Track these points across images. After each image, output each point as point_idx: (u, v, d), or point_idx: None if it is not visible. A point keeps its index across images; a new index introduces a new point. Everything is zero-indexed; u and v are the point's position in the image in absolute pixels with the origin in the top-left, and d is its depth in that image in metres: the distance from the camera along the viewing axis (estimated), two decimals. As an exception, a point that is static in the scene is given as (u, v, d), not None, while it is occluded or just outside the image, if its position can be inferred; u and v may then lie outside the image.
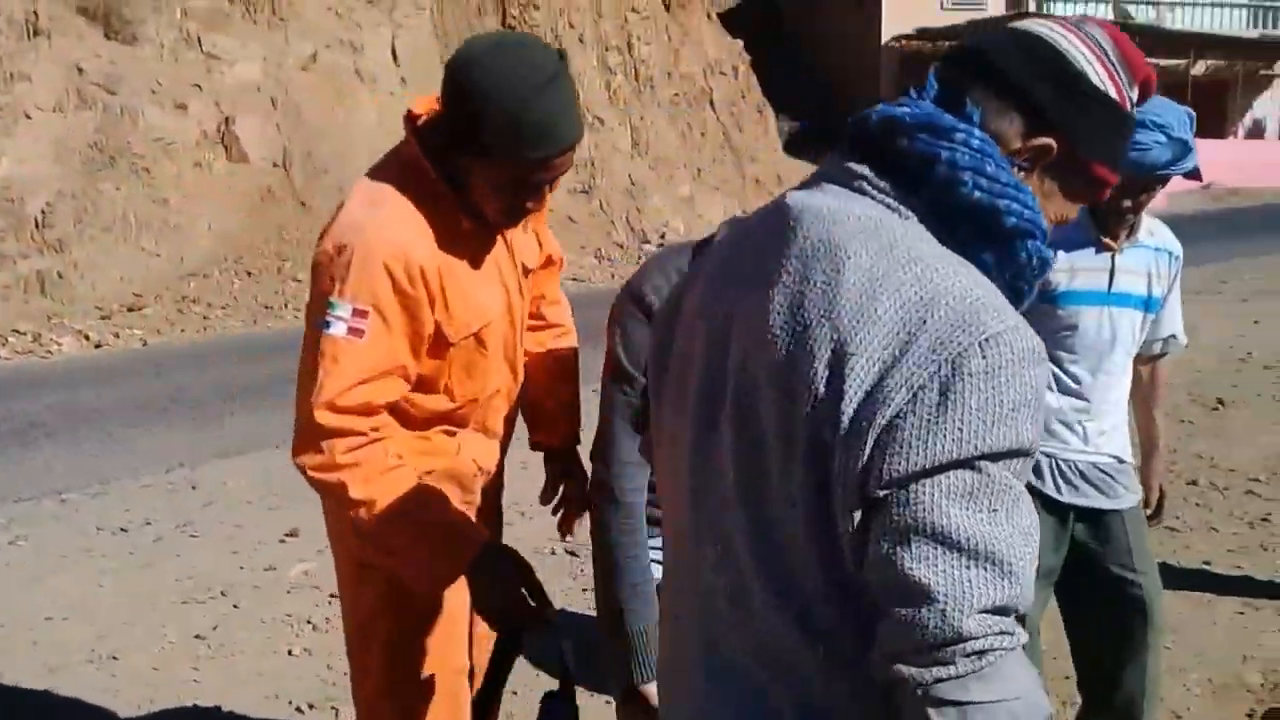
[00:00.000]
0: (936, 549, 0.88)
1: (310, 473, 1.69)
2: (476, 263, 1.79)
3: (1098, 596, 2.51)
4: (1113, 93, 1.06)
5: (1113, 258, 2.47)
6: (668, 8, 20.10)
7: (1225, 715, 3.13)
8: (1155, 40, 26.79)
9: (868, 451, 0.90)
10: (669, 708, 1.20)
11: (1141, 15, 28.91)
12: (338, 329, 1.63)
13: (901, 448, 0.89)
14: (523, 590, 1.77)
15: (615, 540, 1.79)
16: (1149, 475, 2.74)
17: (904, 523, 0.89)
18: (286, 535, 4.79)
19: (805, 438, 0.94)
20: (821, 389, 0.93)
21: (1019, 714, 0.89)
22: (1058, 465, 2.48)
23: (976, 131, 1.01)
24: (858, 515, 0.92)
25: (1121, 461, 2.53)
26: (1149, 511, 2.73)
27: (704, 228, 17.17)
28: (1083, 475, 2.48)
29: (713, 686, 1.09)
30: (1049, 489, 2.47)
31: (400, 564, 1.75)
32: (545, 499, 2.26)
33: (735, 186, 18.10)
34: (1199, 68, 28.19)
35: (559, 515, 2.27)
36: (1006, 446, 0.90)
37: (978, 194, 0.99)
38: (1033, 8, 28.23)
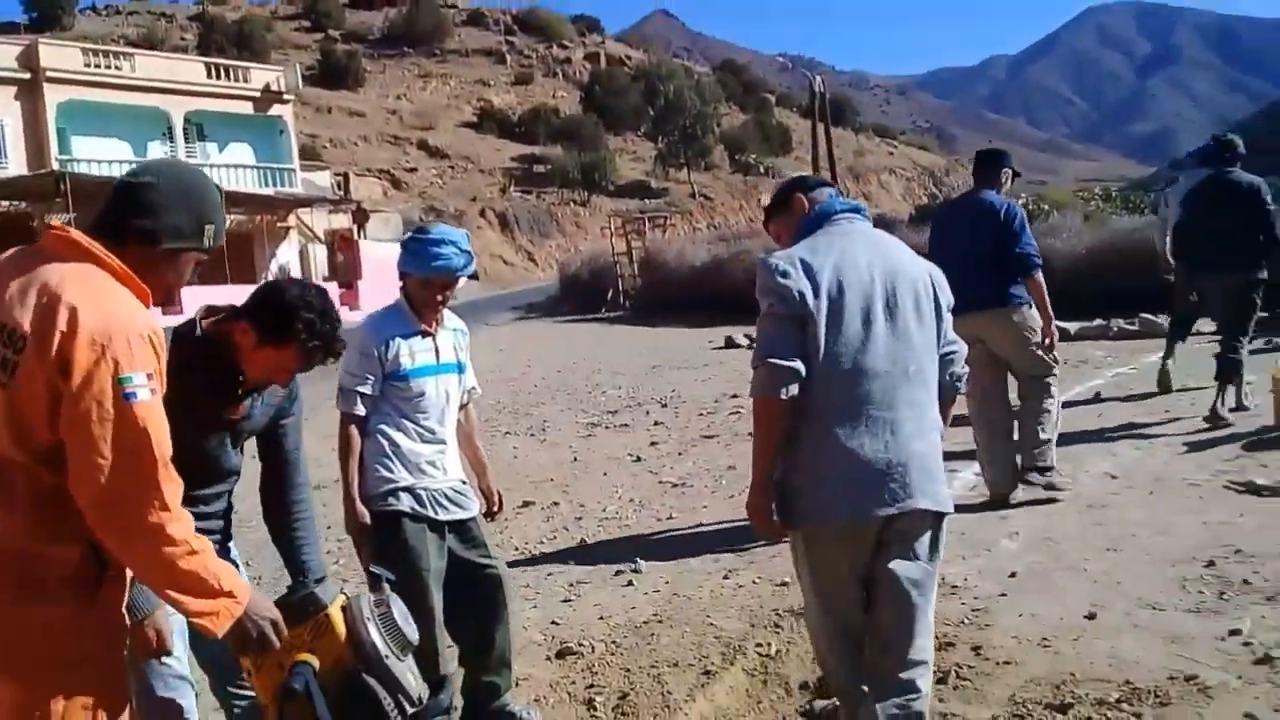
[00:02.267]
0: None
1: (170, 529, 1.83)
2: None
3: (471, 581, 3.43)
4: None
5: (434, 339, 3.43)
6: None
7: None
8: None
9: (946, 305, 2.82)
10: (886, 436, 2.60)
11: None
12: (144, 394, 1.83)
13: (945, 300, 2.83)
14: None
15: None
16: (488, 486, 3.74)
17: (949, 325, 2.84)
18: None
19: (936, 308, 2.76)
20: (932, 290, 2.77)
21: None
22: (432, 495, 3.35)
23: None
24: (946, 322, 2.81)
25: (464, 482, 3.50)
26: (495, 509, 3.73)
27: None
28: (448, 498, 3.39)
29: (914, 412, 2.64)
30: (431, 513, 3.33)
31: (208, 606, 1.92)
32: None
33: None
34: (228, 222, 30.91)
35: None
36: None
37: None
38: (54, 166, 27.96)
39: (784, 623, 4.29)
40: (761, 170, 69.98)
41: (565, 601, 4.80)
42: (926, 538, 2.70)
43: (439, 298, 3.40)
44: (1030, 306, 5.59)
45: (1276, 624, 3.67)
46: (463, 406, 3.64)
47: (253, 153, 35.55)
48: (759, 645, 4.09)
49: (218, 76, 35.65)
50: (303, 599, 2.34)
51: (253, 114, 35.93)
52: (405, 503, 3.32)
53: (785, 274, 2.63)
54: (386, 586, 2.50)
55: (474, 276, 3.49)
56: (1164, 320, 13.03)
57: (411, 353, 3.36)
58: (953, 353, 2.83)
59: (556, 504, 6.84)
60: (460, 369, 3.53)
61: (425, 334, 3.42)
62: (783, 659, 4.01)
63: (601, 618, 4.53)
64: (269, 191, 33.45)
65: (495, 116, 68.11)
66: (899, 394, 2.63)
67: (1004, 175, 5.84)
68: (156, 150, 32.26)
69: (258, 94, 36.03)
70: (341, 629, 2.33)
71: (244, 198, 31.67)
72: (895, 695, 2.66)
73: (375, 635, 2.33)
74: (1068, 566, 4.52)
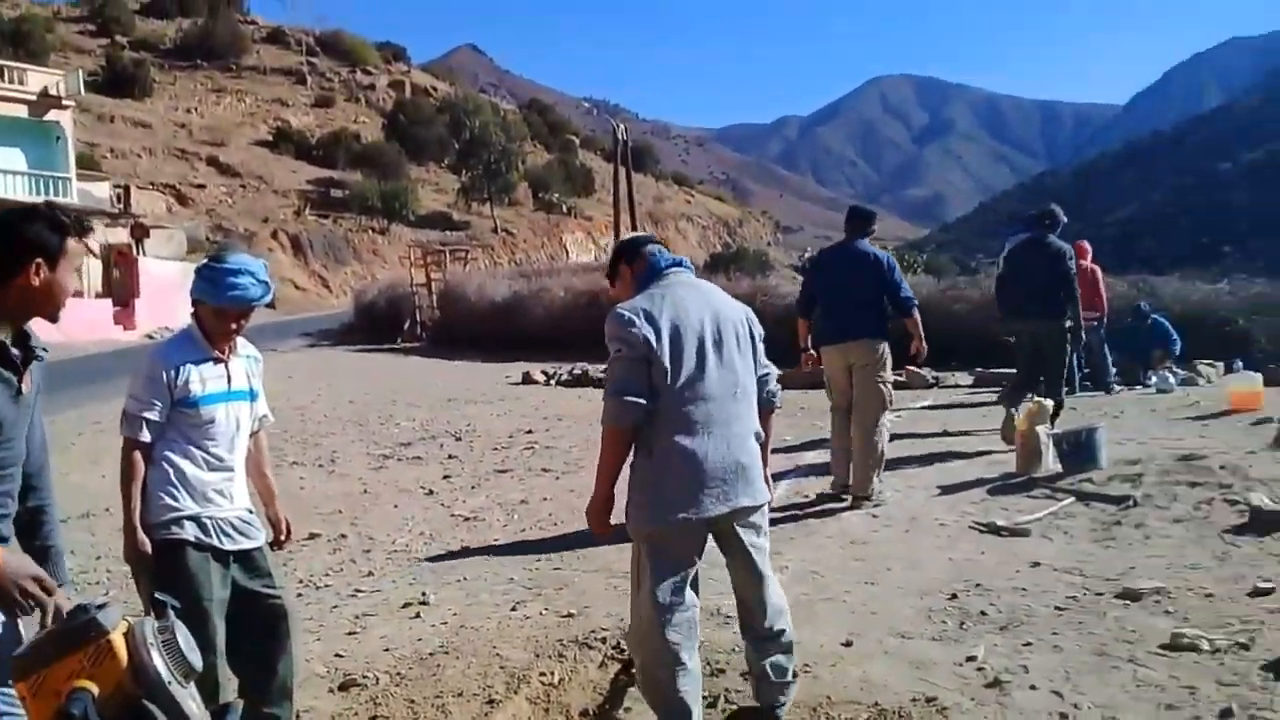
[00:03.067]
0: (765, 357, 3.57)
1: None
2: None
3: (254, 612, 3.39)
4: None
5: (226, 366, 3.41)
6: None
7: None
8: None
9: (759, 337, 3.50)
10: (722, 447, 3.26)
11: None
12: None
13: (758, 333, 3.52)
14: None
15: None
16: (276, 514, 3.70)
17: (762, 352, 3.51)
18: None
19: (752, 339, 3.46)
20: (748, 326, 3.46)
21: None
22: (218, 524, 3.31)
23: None
24: (760, 350, 3.50)
25: (251, 511, 3.47)
26: (283, 538, 3.70)
27: None
28: (234, 527, 3.36)
29: (740, 426, 3.34)
30: (216, 542, 3.29)
31: None
32: None
33: None
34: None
35: None
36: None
37: None
38: None
39: (568, 652, 4.42)
40: (564, 210, 70.75)
41: (350, 634, 4.78)
42: (753, 521, 3.44)
43: (233, 326, 3.38)
44: (886, 343, 6.97)
45: (1007, 651, 4.09)
46: (253, 434, 3.61)
47: (24, 159, 33.11)
48: (543, 674, 4.22)
49: (-12, 75, 33.17)
50: (83, 624, 2.29)
51: (27, 118, 33.53)
52: (189, 531, 3.26)
53: (631, 323, 3.25)
54: (171, 613, 2.49)
55: (271, 305, 3.50)
56: (927, 372, 14.06)
57: (202, 379, 3.33)
58: (768, 374, 3.55)
59: (344, 536, 6.77)
60: (253, 396, 3.52)
61: (217, 360, 3.39)
62: (565, 687, 4.15)
63: (387, 649, 4.54)
64: (40, 201, 31.20)
65: (292, 137, 66.02)
66: (729, 412, 3.33)
67: (873, 229, 7.31)
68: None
69: (34, 97, 33.67)
70: (123, 654, 2.30)
71: (12, 205, 29.49)
72: (771, 641, 3.47)
73: (158, 661, 2.32)
74: (829, 598, 4.88)
